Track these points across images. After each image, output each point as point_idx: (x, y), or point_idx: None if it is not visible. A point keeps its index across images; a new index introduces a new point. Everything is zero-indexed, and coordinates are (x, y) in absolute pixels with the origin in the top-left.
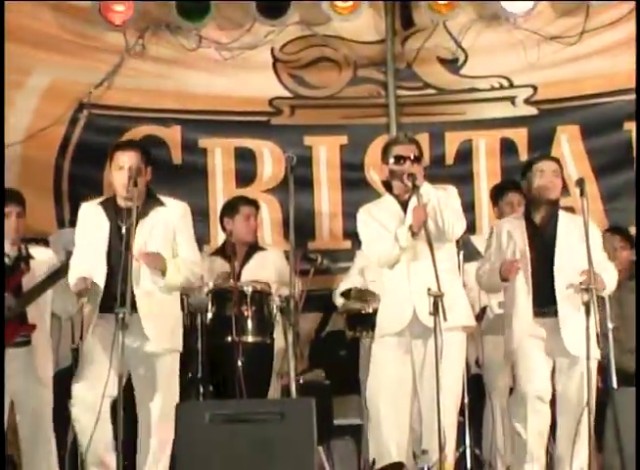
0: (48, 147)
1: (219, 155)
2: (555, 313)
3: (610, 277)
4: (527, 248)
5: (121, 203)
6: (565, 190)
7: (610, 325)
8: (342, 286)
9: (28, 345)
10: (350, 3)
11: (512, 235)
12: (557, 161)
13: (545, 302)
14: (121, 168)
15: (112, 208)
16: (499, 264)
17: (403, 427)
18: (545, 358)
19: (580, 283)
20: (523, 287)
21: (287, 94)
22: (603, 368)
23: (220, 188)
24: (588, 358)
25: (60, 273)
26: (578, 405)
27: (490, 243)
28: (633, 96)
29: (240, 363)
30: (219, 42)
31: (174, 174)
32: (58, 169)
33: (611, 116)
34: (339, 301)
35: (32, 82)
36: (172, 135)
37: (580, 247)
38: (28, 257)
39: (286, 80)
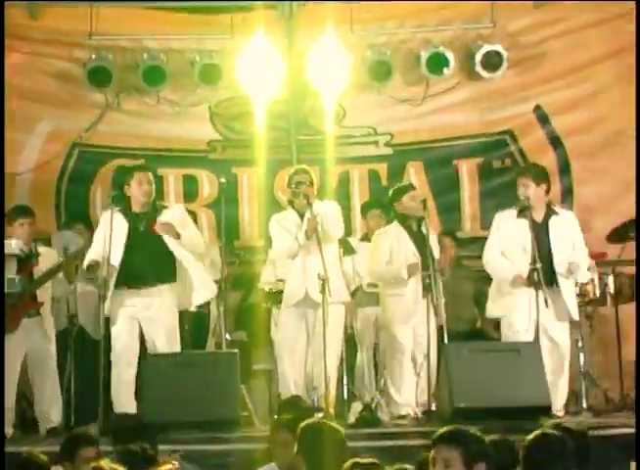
0: (51, 174)
1: (172, 180)
2: None
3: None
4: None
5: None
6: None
7: (442, 299)
8: (263, 273)
9: (39, 315)
10: None
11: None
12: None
13: None
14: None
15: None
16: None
17: (300, 371)
18: None
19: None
20: None
21: (219, 137)
22: (440, 328)
23: (172, 203)
24: (428, 322)
25: (59, 268)
26: None
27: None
28: (460, 142)
29: (186, 327)
30: (172, 100)
31: None
32: (58, 189)
33: (443, 156)
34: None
35: (40, 129)
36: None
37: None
38: (37, 254)
39: (219, 128)
